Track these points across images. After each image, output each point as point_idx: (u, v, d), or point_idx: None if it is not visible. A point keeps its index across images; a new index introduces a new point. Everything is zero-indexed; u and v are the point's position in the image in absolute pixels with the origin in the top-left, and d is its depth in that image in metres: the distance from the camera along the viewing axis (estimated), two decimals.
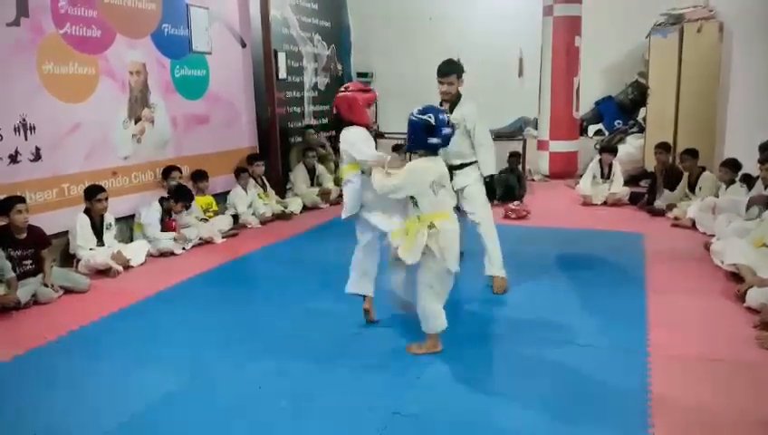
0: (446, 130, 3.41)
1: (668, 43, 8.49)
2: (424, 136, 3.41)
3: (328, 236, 6.71)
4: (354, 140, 3.87)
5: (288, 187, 8.39)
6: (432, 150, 3.46)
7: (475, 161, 4.75)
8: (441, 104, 4.66)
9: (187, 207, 6.35)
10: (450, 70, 4.67)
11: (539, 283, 4.93)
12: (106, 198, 5.49)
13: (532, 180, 9.45)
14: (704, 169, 7.07)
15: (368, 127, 4.06)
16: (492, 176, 4.70)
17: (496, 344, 3.84)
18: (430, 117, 3.37)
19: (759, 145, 5.63)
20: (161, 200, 6.13)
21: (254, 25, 7.99)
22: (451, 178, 4.41)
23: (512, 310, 4.22)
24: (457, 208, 4.43)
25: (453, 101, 4.72)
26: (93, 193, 5.43)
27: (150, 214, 5.99)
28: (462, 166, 4.76)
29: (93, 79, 5.81)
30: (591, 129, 10.03)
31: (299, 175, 8.32)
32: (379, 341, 3.84)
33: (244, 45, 7.96)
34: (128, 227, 6.15)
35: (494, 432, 2.82)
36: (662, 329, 3.91)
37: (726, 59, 8.06)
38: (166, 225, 6.07)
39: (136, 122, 6.33)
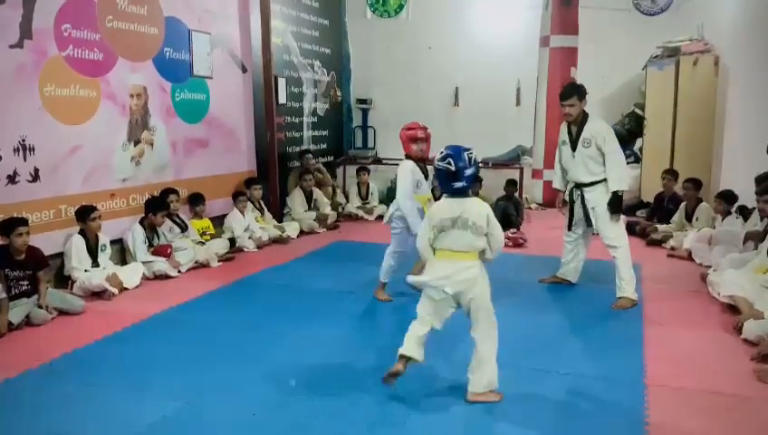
0: (469, 172, 3.33)
1: (665, 75, 8.59)
2: (448, 182, 3.37)
3: (325, 262, 6.70)
4: (399, 177, 4.91)
5: (285, 211, 8.39)
6: (460, 193, 3.39)
7: (605, 179, 4.94)
8: (568, 126, 5.11)
9: (170, 217, 6.38)
10: (569, 93, 5.00)
11: (536, 312, 4.92)
12: (99, 216, 5.49)
13: (530, 208, 9.47)
14: (701, 199, 7.14)
15: (415, 158, 4.92)
16: (620, 192, 4.93)
17: None
18: (450, 163, 3.32)
19: (756, 177, 5.66)
20: (141, 221, 6.11)
21: (255, 51, 8.06)
22: (582, 196, 5.02)
23: (508, 339, 4.18)
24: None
25: (579, 121, 5.02)
26: (87, 213, 5.42)
27: (133, 237, 5.97)
28: (593, 184, 4.99)
29: (94, 101, 5.84)
30: None
31: (296, 199, 8.33)
32: (375, 369, 3.81)
33: (245, 70, 8.03)
34: (124, 249, 6.13)
35: None
36: (659, 360, 3.90)
37: (722, 92, 8.16)
38: (160, 250, 6.04)
39: (135, 145, 6.35)
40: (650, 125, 8.74)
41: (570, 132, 5.14)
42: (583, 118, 5.03)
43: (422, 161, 4.96)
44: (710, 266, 5.71)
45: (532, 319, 4.77)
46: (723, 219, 6.43)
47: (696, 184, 7.13)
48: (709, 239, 6.21)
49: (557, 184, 5.48)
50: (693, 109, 8.42)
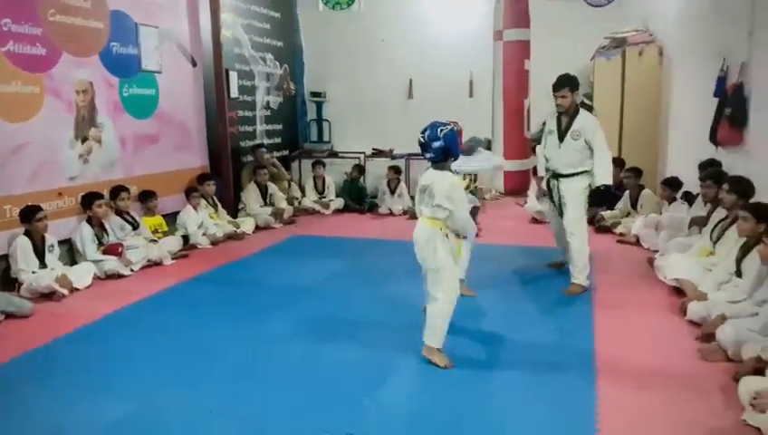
0: (437, 144, 3.66)
1: (612, 65, 8.78)
2: (423, 152, 3.77)
3: (281, 257, 6.66)
4: None
5: (240, 206, 8.31)
6: (435, 164, 3.75)
7: (585, 171, 5.05)
8: (558, 116, 5.20)
9: (120, 214, 6.31)
10: (562, 84, 5.08)
11: (488, 299, 5.00)
12: (45, 217, 5.36)
13: (484, 199, 9.59)
14: (643, 187, 7.37)
15: None
16: (607, 186, 5.02)
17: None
18: (422, 135, 3.71)
19: (699, 163, 5.86)
20: (89, 220, 5.97)
21: (205, 45, 7.94)
22: (558, 187, 5.19)
23: (461, 326, 4.26)
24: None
25: (570, 113, 5.10)
26: (31, 214, 5.28)
27: (81, 236, 5.84)
28: (571, 175, 5.09)
29: (38, 98, 5.67)
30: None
31: (251, 194, 8.26)
32: (333, 364, 3.84)
33: (194, 64, 7.90)
34: (74, 249, 5.99)
35: None
36: (609, 342, 4.01)
37: (666, 81, 8.39)
38: (111, 248, 5.92)
39: (83, 142, 6.19)
40: (598, 114, 8.96)
41: (559, 123, 5.22)
42: (575, 110, 5.12)
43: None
44: (657, 251, 5.90)
45: (485, 305, 4.85)
46: (669, 205, 6.63)
47: (636, 172, 7.38)
48: (656, 225, 6.40)
49: (541, 171, 5.63)
50: (639, 98, 8.64)
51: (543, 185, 5.50)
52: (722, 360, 3.68)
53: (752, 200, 4.52)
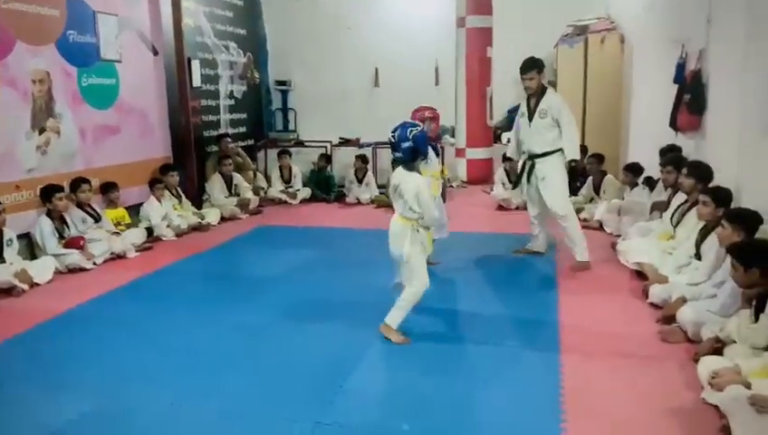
0: (405, 145, 3.81)
1: (575, 52, 8.87)
2: (392, 151, 3.93)
3: (247, 248, 6.61)
4: None
5: (205, 197, 8.20)
6: (402, 164, 3.89)
7: (559, 150, 5.18)
8: (528, 99, 5.36)
9: (80, 206, 6.18)
10: (529, 66, 5.24)
11: (455, 286, 5.05)
12: (3, 210, 5.23)
13: (451, 187, 9.63)
14: (605, 172, 7.48)
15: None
16: (576, 161, 5.22)
17: (414, 348, 3.87)
18: (393, 136, 3.87)
19: (660, 149, 5.96)
20: (49, 213, 5.84)
21: (166, 33, 7.79)
22: (533, 167, 5.30)
23: (428, 313, 4.29)
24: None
25: (538, 93, 5.27)
26: None
27: (41, 229, 5.70)
28: (545, 154, 5.23)
29: None
30: (505, 136, 10.30)
31: (215, 185, 8.15)
32: (302, 351, 3.83)
33: (155, 53, 7.75)
34: (33, 243, 5.84)
35: None
36: (573, 327, 4.08)
37: (628, 68, 8.51)
38: (72, 242, 5.79)
39: (40, 133, 6.03)
40: None
41: (528, 105, 5.38)
42: (542, 91, 5.29)
43: (430, 140, 5.06)
44: (620, 236, 6.00)
45: (451, 292, 4.88)
46: (630, 190, 6.74)
47: (598, 159, 7.51)
48: (618, 210, 6.51)
49: (511, 153, 5.85)
50: (601, 85, 8.75)
51: (518, 168, 5.62)
52: (682, 341, 3.77)
53: (711, 185, 4.61)
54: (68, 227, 5.93)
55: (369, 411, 3.11)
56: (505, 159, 8.29)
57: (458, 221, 7.34)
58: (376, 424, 2.97)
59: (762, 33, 4.27)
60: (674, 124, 5.85)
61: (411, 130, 3.82)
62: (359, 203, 8.85)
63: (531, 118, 5.32)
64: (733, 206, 4.19)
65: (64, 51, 6.33)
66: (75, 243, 5.80)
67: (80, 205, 6.20)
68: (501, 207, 8.13)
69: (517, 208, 8.00)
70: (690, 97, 5.44)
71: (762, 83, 4.22)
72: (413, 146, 3.80)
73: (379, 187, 9.07)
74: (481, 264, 5.70)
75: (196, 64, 8.31)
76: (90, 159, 6.67)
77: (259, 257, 6.12)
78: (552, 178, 5.27)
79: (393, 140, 3.84)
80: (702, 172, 4.75)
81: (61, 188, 5.96)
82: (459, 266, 5.52)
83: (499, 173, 8.52)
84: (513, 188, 6.21)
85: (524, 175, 5.47)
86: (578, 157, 5.24)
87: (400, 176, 3.86)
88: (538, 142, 5.29)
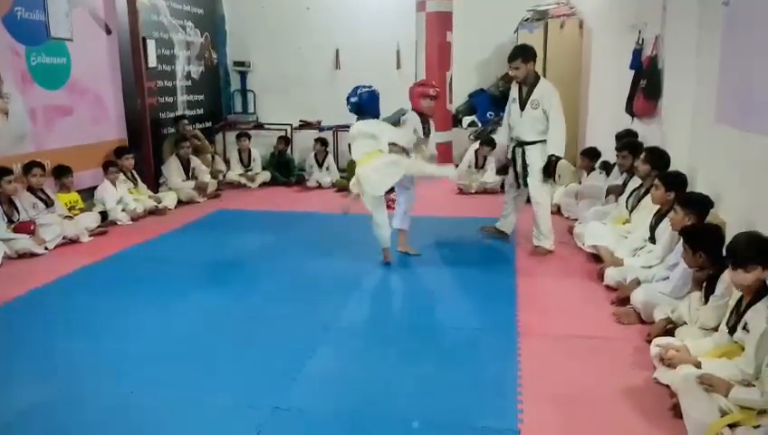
0: (353, 99, 4.85)
1: (535, 37, 8.89)
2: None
3: (205, 232, 6.51)
4: (408, 124, 5.18)
5: (161, 181, 8.03)
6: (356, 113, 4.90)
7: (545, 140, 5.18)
8: (519, 85, 5.38)
9: (32, 191, 5.97)
10: (514, 55, 5.28)
11: (415, 270, 5.06)
12: None
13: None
14: (560, 158, 7.54)
15: (421, 113, 5.22)
16: (555, 156, 5.16)
17: (376, 332, 3.89)
18: (349, 95, 4.87)
19: (616, 134, 6.05)
20: None
21: (120, 11, 7.57)
22: (524, 154, 5.35)
23: (389, 297, 4.30)
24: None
25: (530, 82, 5.26)
26: None
27: None
28: (535, 142, 5.25)
29: None
30: (465, 120, 10.36)
31: (172, 168, 7.98)
32: (260, 337, 3.79)
33: (109, 32, 7.51)
34: None
35: (374, 421, 2.87)
36: (530, 309, 4.14)
37: (586, 53, 8.60)
38: (22, 226, 5.61)
39: None
40: None
41: (520, 92, 5.35)
42: (535, 79, 5.27)
43: (427, 117, 5.32)
44: (577, 220, 6.09)
45: (411, 276, 4.90)
46: (587, 175, 6.85)
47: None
48: (576, 194, 6.60)
49: (501, 138, 5.80)
50: (561, 70, 8.81)
51: (508, 153, 5.59)
52: (636, 322, 3.86)
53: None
54: (17, 211, 5.74)
55: (328, 396, 3.10)
56: (483, 142, 8.30)
57: (419, 205, 7.36)
58: (335, 409, 2.97)
59: (713, 21, 4.35)
60: (630, 109, 5.93)
61: (360, 90, 4.79)
62: (319, 187, 8.79)
63: (522, 106, 5.30)
64: (687, 190, 4.28)
65: (12, 28, 6.08)
66: (25, 227, 5.62)
67: (31, 189, 6.01)
68: (460, 191, 8.16)
69: (476, 193, 8.07)
70: (646, 83, 5.52)
71: (714, 70, 4.30)
72: (357, 101, 4.80)
73: (340, 170, 9.01)
74: (441, 248, 5.73)
75: (151, 44, 8.10)
76: (41, 141, 6.45)
77: (217, 242, 6.03)
78: (538, 165, 5.30)
79: (347, 97, 4.82)
80: (657, 158, 4.83)
81: (10, 171, 5.75)
82: (419, 250, 5.53)
83: (468, 156, 8.50)
84: (497, 174, 6.34)
85: (518, 162, 5.45)
86: (559, 154, 5.20)
87: (366, 126, 4.79)
88: (528, 131, 5.29)
